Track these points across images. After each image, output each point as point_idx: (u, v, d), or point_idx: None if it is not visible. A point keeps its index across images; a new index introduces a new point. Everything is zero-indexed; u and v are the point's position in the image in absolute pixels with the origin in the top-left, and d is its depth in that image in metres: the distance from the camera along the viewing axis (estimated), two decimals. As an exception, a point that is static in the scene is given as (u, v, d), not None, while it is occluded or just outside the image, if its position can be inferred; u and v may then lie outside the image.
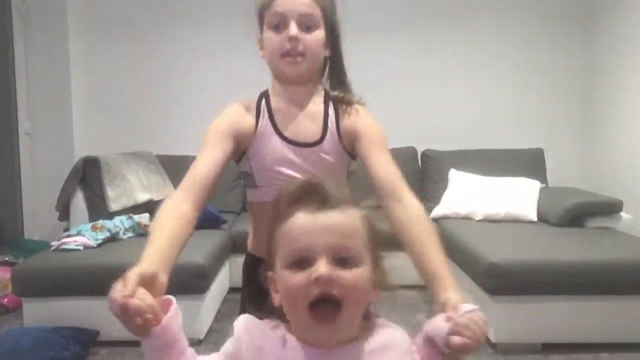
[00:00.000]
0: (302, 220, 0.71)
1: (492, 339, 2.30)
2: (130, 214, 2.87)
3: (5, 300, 2.82)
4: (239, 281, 3.29)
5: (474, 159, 3.59)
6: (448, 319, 0.80)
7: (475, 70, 3.95)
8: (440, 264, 0.95)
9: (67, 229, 2.92)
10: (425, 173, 3.72)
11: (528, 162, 3.59)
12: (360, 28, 3.90)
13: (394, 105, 3.93)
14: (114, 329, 2.47)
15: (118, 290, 0.82)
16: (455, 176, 3.48)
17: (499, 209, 3.05)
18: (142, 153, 3.53)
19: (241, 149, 1.12)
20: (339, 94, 1.16)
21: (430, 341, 0.80)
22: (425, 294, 3.08)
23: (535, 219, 3.02)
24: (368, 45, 3.90)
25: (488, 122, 3.95)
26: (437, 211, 3.28)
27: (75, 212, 2.99)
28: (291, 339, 0.72)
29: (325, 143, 1.11)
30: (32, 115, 3.57)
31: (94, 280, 2.31)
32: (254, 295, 1.01)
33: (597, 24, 3.78)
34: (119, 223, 2.75)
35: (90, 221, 2.85)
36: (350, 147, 1.13)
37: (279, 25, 1.07)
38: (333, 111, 1.14)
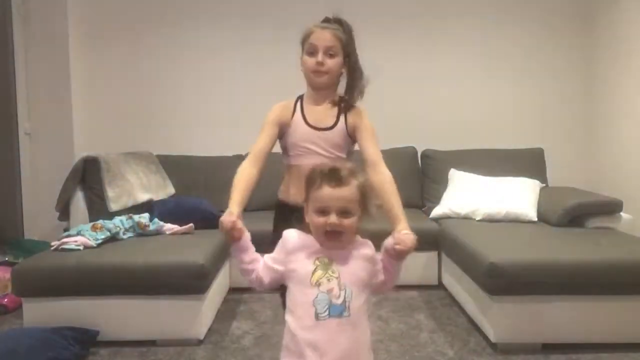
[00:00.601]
0: (326, 191, 1.27)
1: (492, 339, 2.31)
2: (130, 214, 2.87)
3: (5, 300, 2.82)
4: (239, 281, 3.32)
5: (474, 159, 3.59)
6: (394, 237, 1.37)
7: (475, 71, 3.95)
8: (399, 210, 1.54)
9: (67, 229, 2.92)
10: (425, 173, 3.72)
11: (528, 162, 3.59)
12: (360, 28, 3.90)
13: (394, 105, 3.94)
14: (114, 329, 2.49)
15: (228, 217, 1.35)
16: (455, 176, 3.48)
17: (499, 209, 3.05)
18: (142, 153, 3.53)
19: (283, 130, 1.73)
20: (347, 98, 1.76)
21: (386, 251, 1.37)
22: (425, 294, 3.08)
23: (535, 219, 3.02)
24: (368, 46, 3.90)
25: (488, 122, 3.96)
26: (437, 211, 3.28)
27: (75, 212, 2.99)
28: (315, 243, 1.32)
29: (336, 129, 1.71)
30: (32, 115, 3.57)
31: (94, 280, 2.32)
32: (283, 224, 1.46)
33: (596, 24, 3.78)
34: (119, 223, 2.75)
35: (90, 221, 2.85)
36: (352, 133, 1.72)
37: (313, 52, 1.69)
38: (343, 109, 1.74)
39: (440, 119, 3.94)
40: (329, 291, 1.27)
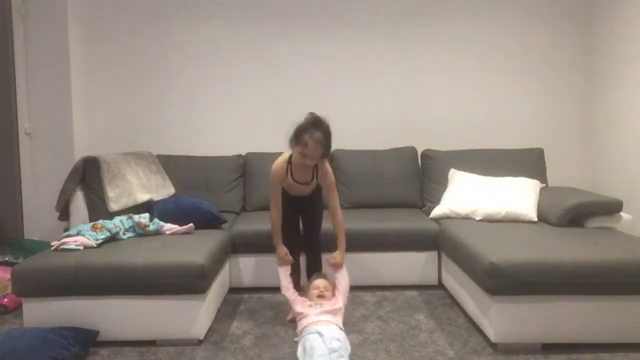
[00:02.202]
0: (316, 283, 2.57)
1: (492, 339, 2.31)
2: (130, 214, 2.87)
3: (5, 300, 2.83)
4: (239, 281, 3.32)
5: (474, 159, 3.59)
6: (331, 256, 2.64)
7: (475, 71, 3.95)
8: (341, 241, 2.66)
9: (67, 229, 2.92)
10: (425, 173, 3.72)
11: (528, 162, 3.59)
12: (361, 28, 3.92)
13: (394, 106, 3.95)
14: (114, 329, 2.50)
15: (282, 255, 2.65)
16: (455, 176, 3.48)
17: (499, 209, 3.05)
18: (142, 153, 3.53)
19: (284, 178, 2.68)
20: (322, 167, 2.67)
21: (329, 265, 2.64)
22: (425, 294, 3.08)
23: (535, 219, 3.02)
24: (368, 46, 3.91)
25: (488, 122, 3.96)
26: (437, 211, 3.28)
27: (75, 212, 2.99)
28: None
29: (312, 182, 2.70)
30: (32, 115, 3.58)
31: (94, 280, 2.32)
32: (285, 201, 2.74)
33: (596, 24, 3.78)
34: (119, 223, 2.75)
35: (90, 221, 2.85)
36: (320, 183, 2.71)
37: (304, 156, 2.51)
38: (315, 170, 2.66)
39: (440, 119, 3.94)
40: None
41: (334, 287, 2.56)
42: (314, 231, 2.86)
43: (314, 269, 2.80)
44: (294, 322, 2.55)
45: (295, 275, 2.75)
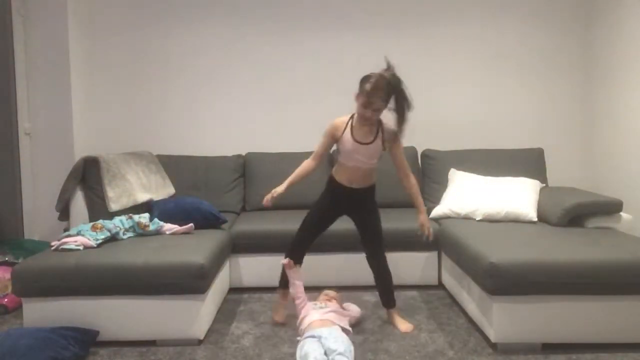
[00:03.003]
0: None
1: (492, 339, 2.31)
2: (130, 214, 2.87)
3: (5, 300, 2.83)
4: (239, 281, 3.32)
5: (474, 159, 3.59)
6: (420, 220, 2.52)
7: (475, 71, 3.95)
8: (421, 204, 2.53)
9: (67, 229, 2.92)
10: (425, 173, 3.72)
11: (528, 162, 3.59)
12: (360, 28, 3.91)
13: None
14: (114, 329, 2.49)
15: (273, 194, 2.40)
16: (455, 176, 3.48)
17: (499, 209, 3.05)
18: (142, 153, 3.53)
19: (336, 140, 2.45)
20: (386, 124, 2.41)
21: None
22: (425, 294, 3.08)
23: (535, 219, 3.02)
24: (368, 47, 3.91)
25: (488, 122, 3.96)
26: (437, 211, 3.28)
27: (75, 212, 2.99)
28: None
29: (374, 143, 2.40)
30: (32, 115, 3.58)
31: (94, 280, 2.32)
32: (330, 188, 2.56)
33: (596, 24, 3.78)
34: (119, 223, 2.75)
35: (90, 221, 2.86)
36: (387, 147, 2.42)
37: (366, 106, 2.29)
38: (381, 130, 2.41)
39: (440, 119, 3.94)
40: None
41: (341, 305, 2.59)
42: (378, 244, 2.56)
43: (387, 298, 2.62)
44: (281, 324, 2.60)
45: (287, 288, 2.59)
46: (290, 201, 3.27)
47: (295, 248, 2.56)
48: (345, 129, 2.40)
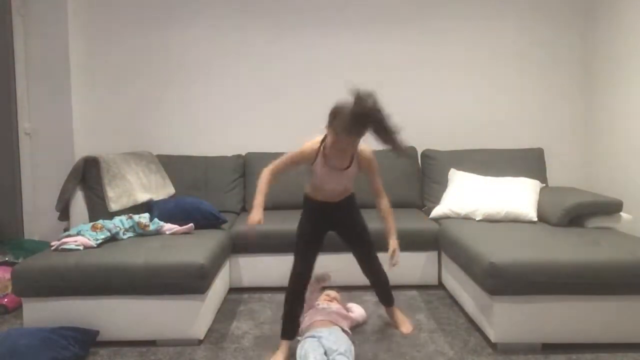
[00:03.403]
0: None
1: (492, 339, 2.31)
2: (130, 214, 2.87)
3: (5, 300, 2.83)
4: (238, 281, 3.32)
5: (474, 159, 3.59)
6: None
7: (475, 71, 3.95)
8: (392, 228, 2.37)
9: (67, 229, 2.92)
10: (425, 173, 3.72)
11: (528, 162, 3.59)
12: (360, 27, 3.91)
13: (394, 105, 3.89)
14: (114, 329, 2.49)
15: (256, 220, 2.05)
16: (455, 176, 3.48)
17: (499, 209, 3.05)
18: (142, 153, 3.53)
19: (310, 162, 2.23)
20: (362, 151, 2.26)
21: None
22: (425, 294, 3.08)
23: (535, 219, 3.02)
24: (368, 45, 3.91)
25: (488, 122, 3.96)
26: (437, 211, 3.28)
27: (75, 212, 2.99)
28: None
29: (349, 169, 2.24)
30: (32, 115, 3.58)
31: (94, 280, 2.32)
32: (306, 207, 2.39)
33: (597, 24, 3.78)
34: (119, 223, 2.75)
35: (90, 221, 2.86)
36: (363, 170, 2.30)
37: (337, 142, 2.11)
38: (356, 156, 2.24)
39: (440, 119, 3.94)
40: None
41: (345, 307, 2.60)
42: (368, 250, 2.47)
43: (386, 297, 2.57)
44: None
45: (299, 309, 2.31)
46: (290, 201, 3.28)
47: (298, 280, 2.28)
48: (316, 157, 2.19)
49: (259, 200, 2.12)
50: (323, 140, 2.19)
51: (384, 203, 2.36)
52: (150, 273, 2.32)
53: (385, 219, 2.36)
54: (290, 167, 2.22)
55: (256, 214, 2.07)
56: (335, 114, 2.05)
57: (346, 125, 2.00)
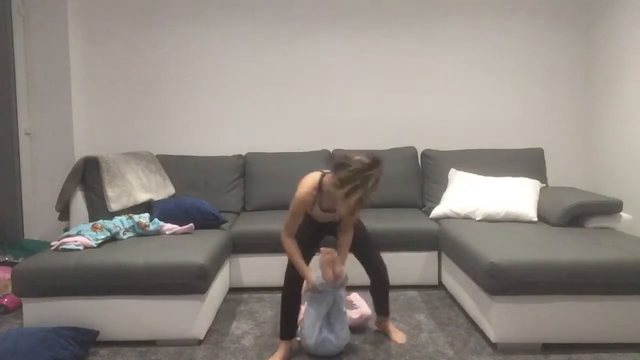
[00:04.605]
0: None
1: (492, 339, 2.31)
2: (130, 214, 2.87)
3: (5, 300, 2.83)
4: (239, 281, 3.31)
5: (474, 159, 3.59)
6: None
7: (475, 71, 3.95)
8: (344, 258, 2.33)
9: (67, 229, 2.92)
10: (425, 173, 3.72)
11: (528, 162, 3.59)
12: (360, 27, 3.91)
13: (394, 106, 3.94)
14: (114, 329, 2.49)
15: (309, 283, 2.23)
16: (455, 176, 3.48)
17: (499, 209, 3.05)
18: (142, 153, 3.53)
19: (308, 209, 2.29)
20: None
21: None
22: (425, 294, 3.08)
23: (535, 219, 3.02)
24: (368, 45, 3.91)
25: (488, 122, 3.96)
26: (437, 211, 3.28)
27: (75, 212, 2.99)
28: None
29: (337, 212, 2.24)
30: (32, 115, 3.58)
31: (94, 280, 2.32)
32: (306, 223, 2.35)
33: (597, 25, 3.78)
34: (119, 223, 2.75)
35: (90, 221, 2.86)
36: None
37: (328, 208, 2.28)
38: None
39: (440, 119, 3.94)
40: None
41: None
42: (374, 255, 2.47)
43: (383, 306, 2.51)
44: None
45: (296, 309, 2.33)
46: (289, 201, 3.28)
47: (294, 280, 2.29)
48: (314, 204, 2.24)
49: (301, 266, 2.23)
50: (319, 187, 2.19)
51: (347, 237, 2.34)
52: (150, 273, 2.32)
53: (340, 250, 2.31)
54: (299, 220, 2.26)
55: (310, 278, 2.22)
56: (342, 174, 1.97)
57: (349, 192, 1.97)
